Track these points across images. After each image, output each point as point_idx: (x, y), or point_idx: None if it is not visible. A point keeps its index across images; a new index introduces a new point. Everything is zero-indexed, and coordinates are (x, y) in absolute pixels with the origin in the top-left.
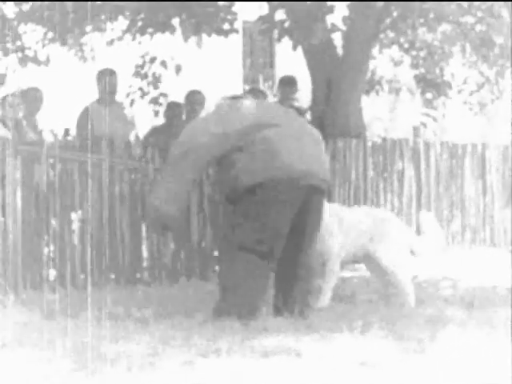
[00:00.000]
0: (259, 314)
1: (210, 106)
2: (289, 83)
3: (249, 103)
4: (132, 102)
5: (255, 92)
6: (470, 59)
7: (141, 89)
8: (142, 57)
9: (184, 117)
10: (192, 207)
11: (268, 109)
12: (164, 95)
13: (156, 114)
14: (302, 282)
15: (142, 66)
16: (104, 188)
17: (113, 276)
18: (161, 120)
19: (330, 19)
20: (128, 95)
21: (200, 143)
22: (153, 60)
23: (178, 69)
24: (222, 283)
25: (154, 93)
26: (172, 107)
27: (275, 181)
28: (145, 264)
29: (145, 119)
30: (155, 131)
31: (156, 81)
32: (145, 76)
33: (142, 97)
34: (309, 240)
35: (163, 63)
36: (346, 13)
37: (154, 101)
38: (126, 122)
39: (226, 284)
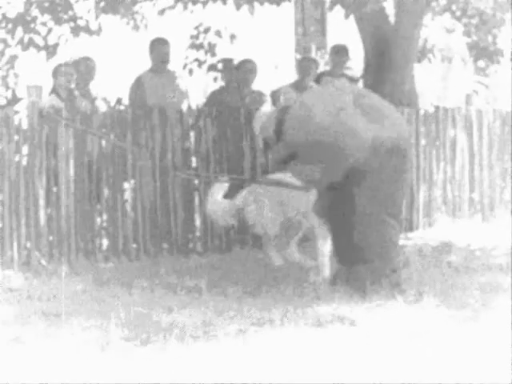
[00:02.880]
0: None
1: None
2: (340, 52)
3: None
4: (191, 72)
5: (307, 61)
6: None
7: (197, 59)
8: (196, 28)
9: (236, 85)
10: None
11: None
12: (222, 61)
13: (215, 80)
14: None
15: (196, 37)
16: (156, 157)
17: (165, 246)
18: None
19: None
20: (185, 66)
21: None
22: (207, 30)
23: (233, 37)
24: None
25: (211, 60)
26: (227, 65)
27: (379, 150)
28: (197, 233)
29: (202, 89)
30: (214, 94)
31: (212, 49)
32: (200, 46)
33: (199, 66)
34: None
35: (218, 33)
36: None
37: (213, 67)
38: (179, 91)
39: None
